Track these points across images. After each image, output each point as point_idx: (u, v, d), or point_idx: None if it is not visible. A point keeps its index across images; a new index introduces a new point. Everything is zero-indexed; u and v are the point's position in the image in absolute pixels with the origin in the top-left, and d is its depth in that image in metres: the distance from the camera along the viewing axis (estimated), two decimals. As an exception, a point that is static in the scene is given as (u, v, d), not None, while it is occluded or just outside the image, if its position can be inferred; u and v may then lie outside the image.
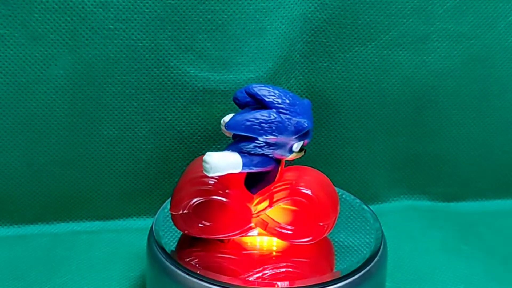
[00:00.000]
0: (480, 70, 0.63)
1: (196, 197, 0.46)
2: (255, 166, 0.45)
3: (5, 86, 0.57)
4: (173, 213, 0.47)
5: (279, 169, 0.46)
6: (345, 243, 0.49)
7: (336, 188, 0.55)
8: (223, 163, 0.43)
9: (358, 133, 0.63)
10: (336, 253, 0.48)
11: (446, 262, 0.58)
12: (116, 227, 0.62)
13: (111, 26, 0.56)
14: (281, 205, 0.46)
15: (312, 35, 0.60)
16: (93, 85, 0.58)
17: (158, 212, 0.51)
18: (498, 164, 0.67)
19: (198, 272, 0.45)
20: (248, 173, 0.46)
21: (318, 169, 0.64)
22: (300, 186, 0.46)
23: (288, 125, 0.44)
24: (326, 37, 0.60)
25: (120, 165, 0.60)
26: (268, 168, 0.46)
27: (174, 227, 0.50)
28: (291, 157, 0.46)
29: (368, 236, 0.49)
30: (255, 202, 0.46)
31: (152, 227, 0.50)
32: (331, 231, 0.47)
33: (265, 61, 0.59)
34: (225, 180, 0.46)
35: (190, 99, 0.59)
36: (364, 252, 0.48)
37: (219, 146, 0.61)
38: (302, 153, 0.46)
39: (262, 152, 0.45)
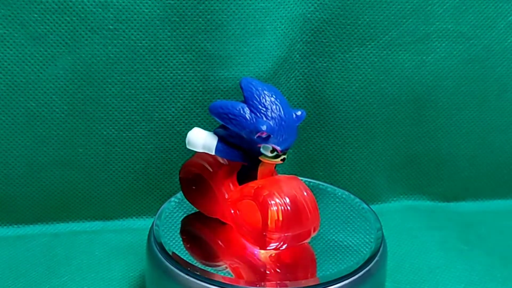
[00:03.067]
0: (479, 70, 0.63)
1: (193, 167, 0.49)
2: (228, 155, 0.46)
3: (5, 86, 0.57)
4: (179, 175, 0.50)
5: (259, 167, 0.46)
6: (345, 243, 0.49)
7: (336, 188, 0.55)
8: (198, 141, 0.46)
9: (358, 133, 0.63)
10: (336, 253, 0.48)
11: (446, 262, 0.58)
12: (116, 227, 0.62)
13: (111, 26, 0.56)
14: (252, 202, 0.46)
15: (312, 35, 0.60)
16: (93, 85, 0.58)
17: (158, 212, 0.51)
18: (498, 164, 0.67)
19: (198, 272, 0.45)
20: (241, 165, 0.47)
21: (318, 169, 0.64)
22: (265, 192, 0.45)
23: (251, 123, 0.44)
24: (326, 37, 0.60)
25: (119, 165, 0.60)
26: (241, 161, 0.46)
27: (174, 227, 0.50)
28: (265, 160, 0.46)
29: (368, 236, 0.49)
30: (234, 191, 0.47)
31: (152, 227, 0.50)
32: (288, 245, 0.46)
33: (265, 61, 0.59)
34: (225, 165, 0.47)
35: (190, 99, 0.59)
36: (364, 252, 0.48)
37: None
38: (279, 160, 0.45)
39: (234, 142, 0.46)
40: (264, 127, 0.44)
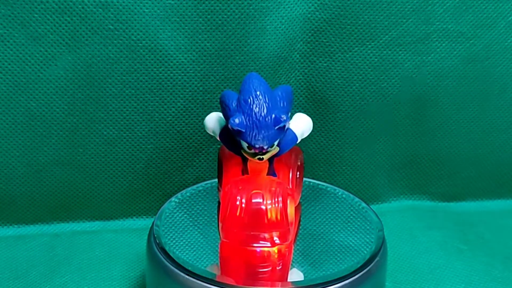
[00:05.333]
0: (480, 70, 0.63)
1: (221, 151, 0.51)
2: (225, 144, 0.47)
3: (5, 86, 0.57)
4: None
5: (248, 162, 0.47)
6: (345, 243, 0.49)
7: (336, 188, 0.55)
8: (209, 125, 0.49)
9: (358, 133, 0.63)
10: (336, 253, 0.48)
11: (446, 262, 0.58)
12: (116, 227, 0.62)
13: (111, 26, 0.56)
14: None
15: (312, 35, 0.60)
16: (93, 85, 0.58)
17: (158, 212, 0.51)
18: (498, 164, 0.67)
19: (198, 272, 0.45)
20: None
21: (318, 169, 0.64)
22: (236, 187, 0.45)
23: (231, 115, 0.45)
24: (326, 37, 0.60)
25: (120, 165, 0.60)
26: (235, 153, 0.47)
27: (174, 227, 0.50)
28: (245, 155, 0.46)
29: (368, 236, 0.49)
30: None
31: (152, 227, 0.50)
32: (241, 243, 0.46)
33: (265, 61, 0.59)
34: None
35: (190, 99, 0.59)
36: (365, 252, 0.48)
37: (218, 146, 0.61)
38: (256, 159, 0.45)
39: (231, 132, 0.46)
40: (235, 121, 0.44)
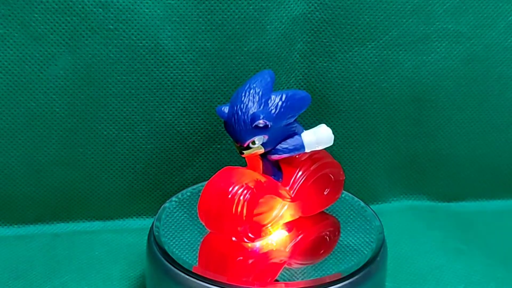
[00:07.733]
0: (480, 70, 0.63)
1: None
2: None
3: (5, 86, 0.57)
4: None
5: (244, 157, 0.47)
6: (345, 243, 0.49)
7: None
8: None
9: (358, 133, 0.63)
10: (336, 253, 0.48)
11: (446, 262, 0.58)
12: (116, 227, 0.62)
13: (111, 26, 0.56)
14: None
15: (312, 35, 0.60)
16: (93, 85, 0.58)
17: (158, 212, 0.51)
18: (498, 164, 0.67)
19: (198, 272, 0.45)
20: None
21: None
22: (221, 175, 0.46)
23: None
24: (326, 37, 0.60)
25: (120, 165, 0.60)
26: None
27: (174, 227, 0.50)
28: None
29: (368, 236, 0.49)
30: None
31: (152, 227, 0.50)
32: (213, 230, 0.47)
33: (265, 61, 0.59)
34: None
35: (190, 99, 0.59)
36: (365, 252, 0.48)
37: (218, 146, 0.62)
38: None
39: None
40: (222, 109, 0.45)
